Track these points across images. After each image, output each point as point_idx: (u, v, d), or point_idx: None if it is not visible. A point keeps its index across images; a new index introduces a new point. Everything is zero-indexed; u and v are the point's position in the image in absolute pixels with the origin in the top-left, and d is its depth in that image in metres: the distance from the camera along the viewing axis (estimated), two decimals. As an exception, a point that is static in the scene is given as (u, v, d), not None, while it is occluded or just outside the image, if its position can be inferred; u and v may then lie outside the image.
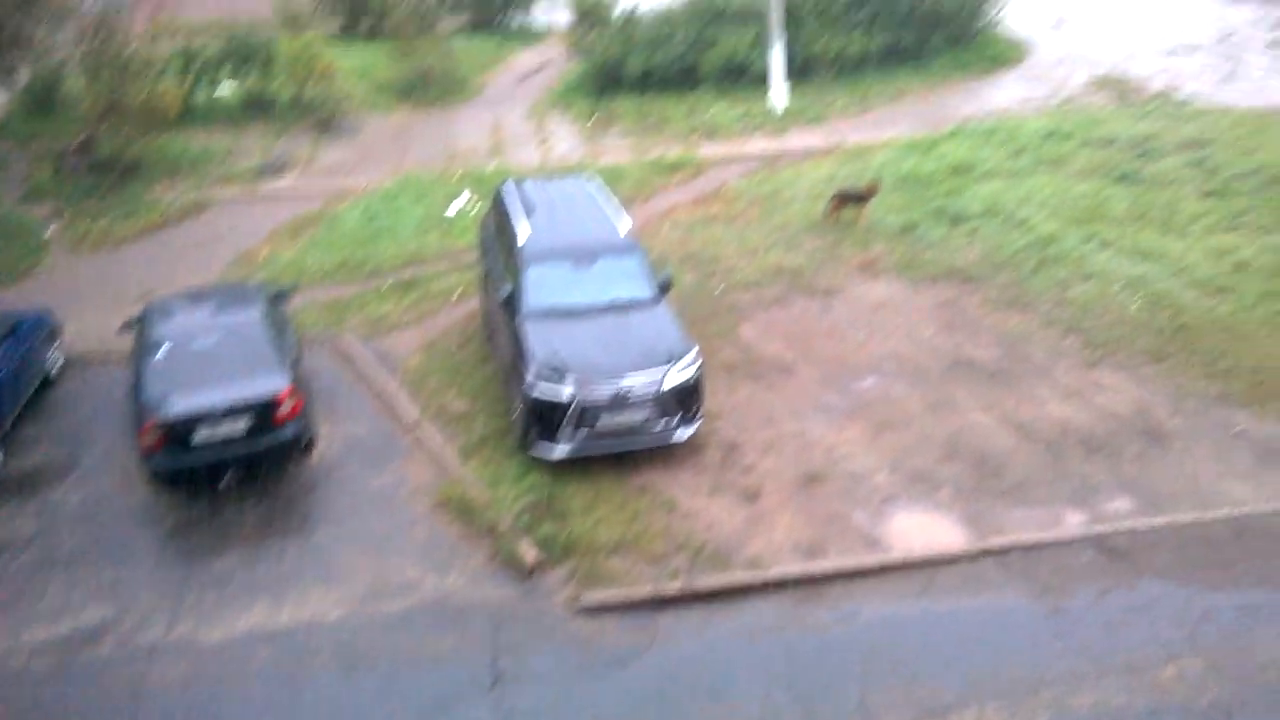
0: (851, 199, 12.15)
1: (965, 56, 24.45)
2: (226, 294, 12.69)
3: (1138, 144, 18.08)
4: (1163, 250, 14.12)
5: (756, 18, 22.54)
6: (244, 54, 22.37)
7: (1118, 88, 22.42)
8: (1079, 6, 30.92)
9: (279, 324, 11.57)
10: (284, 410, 10.24)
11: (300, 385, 10.82)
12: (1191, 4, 30.68)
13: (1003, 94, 22.64)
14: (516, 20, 30.95)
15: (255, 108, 22.70)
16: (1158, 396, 11.27)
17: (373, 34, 28.69)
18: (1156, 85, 22.38)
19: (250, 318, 11.18)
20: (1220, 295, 12.96)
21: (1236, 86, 22.08)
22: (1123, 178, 16.62)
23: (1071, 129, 18.99)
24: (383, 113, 23.31)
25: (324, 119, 21.70)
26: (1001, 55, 24.91)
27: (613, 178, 17.63)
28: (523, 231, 11.86)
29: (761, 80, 22.31)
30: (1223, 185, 16.21)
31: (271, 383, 10.30)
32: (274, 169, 19.75)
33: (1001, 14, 25.77)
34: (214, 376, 10.26)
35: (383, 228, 16.57)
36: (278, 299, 12.31)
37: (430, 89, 24.14)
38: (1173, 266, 13.67)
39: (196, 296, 12.36)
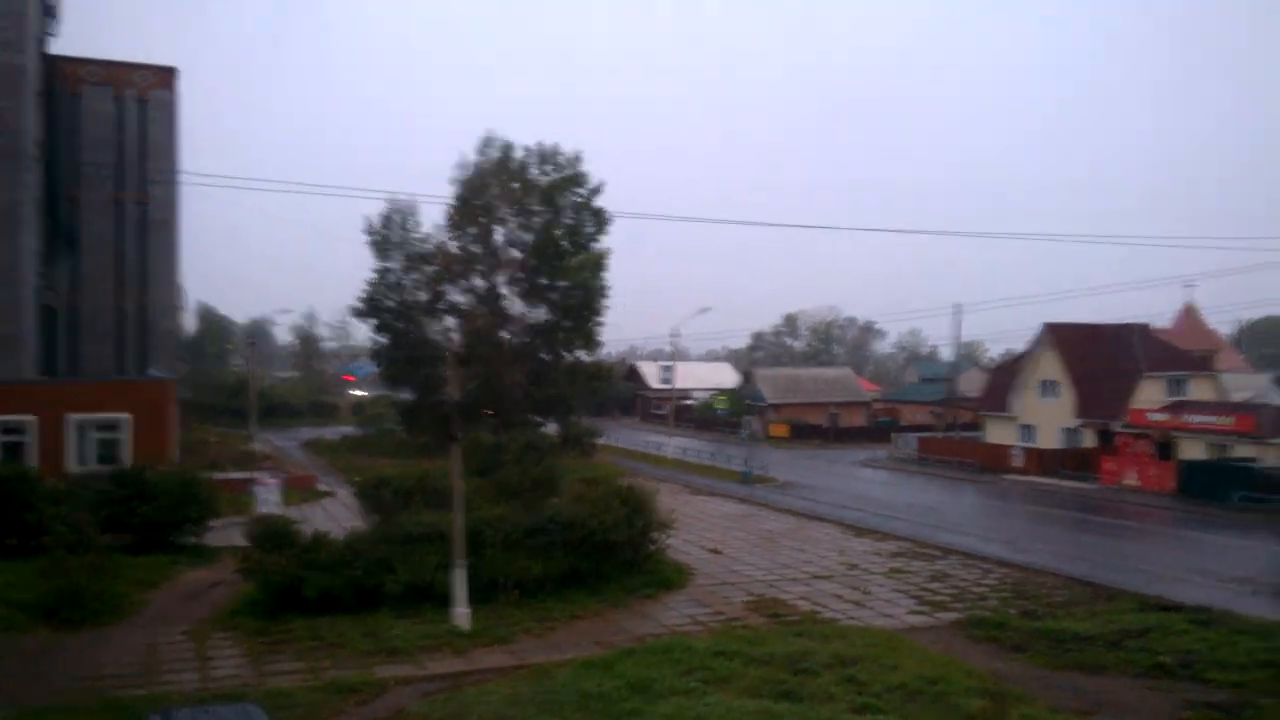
0: None
1: (636, 580, 26.32)
2: None
3: (794, 661, 19.53)
4: (829, 765, 14.75)
5: (441, 540, 23.32)
6: None
7: (771, 609, 24.70)
8: (730, 538, 35.01)
9: None
10: None
11: None
12: (819, 536, 35.63)
13: (672, 614, 24.18)
14: (189, 539, 29.94)
15: None
16: None
17: (20, 552, 26.57)
18: (803, 607, 24.92)
19: None
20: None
21: (869, 608, 25.09)
22: (785, 694, 17.64)
23: (736, 648, 20.27)
24: (15, 635, 20.76)
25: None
26: (668, 579, 27.12)
27: (281, 703, 16.39)
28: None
29: (445, 601, 22.53)
30: (874, 699, 17.59)
31: None
32: None
33: (667, 541, 28.68)
34: None
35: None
36: None
37: (78, 609, 22.03)
38: (840, 780, 14.23)
39: None
